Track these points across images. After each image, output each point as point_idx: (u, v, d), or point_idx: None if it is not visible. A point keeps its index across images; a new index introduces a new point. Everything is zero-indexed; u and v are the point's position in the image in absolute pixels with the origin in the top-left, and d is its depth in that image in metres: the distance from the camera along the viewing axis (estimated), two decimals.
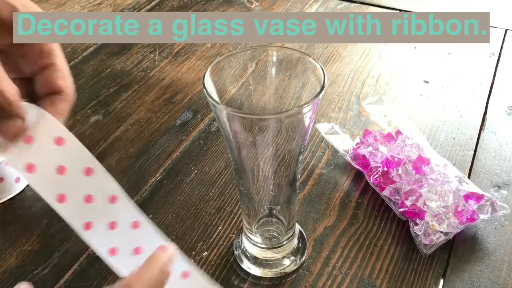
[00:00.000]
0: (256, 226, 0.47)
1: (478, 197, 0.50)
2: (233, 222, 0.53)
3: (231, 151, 0.41)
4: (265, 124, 0.37)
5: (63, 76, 0.36)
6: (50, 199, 0.34)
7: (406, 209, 0.50)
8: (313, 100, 0.36)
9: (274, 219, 0.46)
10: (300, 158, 0.42)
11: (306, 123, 0.38)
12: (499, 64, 0.74)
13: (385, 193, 0.53)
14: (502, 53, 0.76)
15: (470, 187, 0.52)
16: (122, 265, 0.35)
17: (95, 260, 0.49)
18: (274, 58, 0.42)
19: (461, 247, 0.50)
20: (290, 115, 0.37)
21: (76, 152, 0.34)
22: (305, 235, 0.50)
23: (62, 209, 0.34)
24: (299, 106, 0.36)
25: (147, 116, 0.66)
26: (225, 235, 0.51)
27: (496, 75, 0.72)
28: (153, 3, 0.90)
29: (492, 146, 0.61)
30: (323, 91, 0.37)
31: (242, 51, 0.41)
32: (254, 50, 0.42)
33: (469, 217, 0.49)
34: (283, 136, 0.38)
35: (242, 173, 0.42)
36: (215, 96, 0.39)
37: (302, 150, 0.41)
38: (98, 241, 0.35)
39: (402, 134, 0.57)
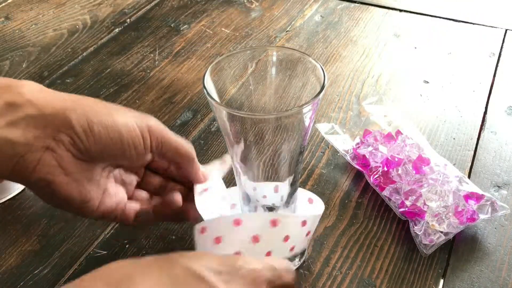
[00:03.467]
0: None
1: (478, 197, 0.50)
2: None
3: (231, 151, 0.41)
4: (265, 124, 0.37)
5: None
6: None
7: (406, 209, 0.50)
8: (313, 100, 0.36)
9: None
10: (300, 158, 0.42)
11: (306, 123, 0.38)
12: (499, 64, 0.74)
13: (385, 193, 0.53)
14: (502, 53, 0.76)
15: (470, 187, 0.52)
16: None
17: (95, 260, 0.49)
18: (274, 58, 0.42)
19: (461, 247, 0.50)
20: (290, 115, 0.37)
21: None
22: None
23: None
24: (299, 106, 0.36)
25: None
26: None
27: (496, 75, 0.72)
28: (153, 3, 0.90)
29: (492, 146, 0.61)
30: (323, 91, 0.37)
31: (242, 51, 0.41)
32: (254, 50, 0.42)
33: (469, 217, 0.49)
34: (283, 136, 0.38)
35: (242, 173, 0.42)
36: (215, 96, 0.39)
37: (302, 150, 0.41)
38: None
39: (402, 134, 0.57)
